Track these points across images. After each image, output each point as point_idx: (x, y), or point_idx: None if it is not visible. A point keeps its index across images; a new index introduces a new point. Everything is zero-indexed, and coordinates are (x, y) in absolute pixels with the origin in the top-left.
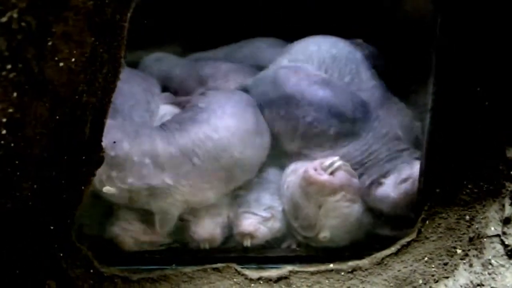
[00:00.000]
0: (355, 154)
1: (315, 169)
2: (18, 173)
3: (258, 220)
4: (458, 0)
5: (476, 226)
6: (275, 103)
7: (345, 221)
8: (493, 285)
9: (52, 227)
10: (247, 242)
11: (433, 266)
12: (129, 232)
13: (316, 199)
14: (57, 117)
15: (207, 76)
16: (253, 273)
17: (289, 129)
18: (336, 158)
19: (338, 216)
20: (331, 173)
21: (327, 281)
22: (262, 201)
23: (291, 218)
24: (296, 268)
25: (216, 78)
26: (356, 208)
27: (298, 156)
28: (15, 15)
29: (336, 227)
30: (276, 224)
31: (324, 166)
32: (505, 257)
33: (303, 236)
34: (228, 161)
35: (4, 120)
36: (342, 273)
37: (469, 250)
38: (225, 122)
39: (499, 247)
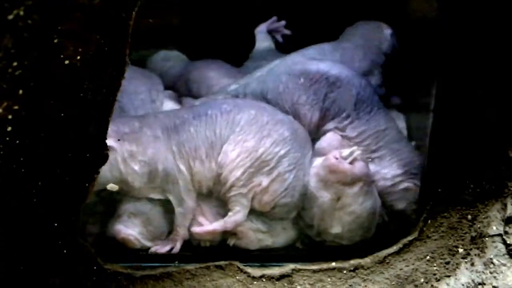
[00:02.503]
0: (374, 127)
1: (336, 158)
2: (23, 170)
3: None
4: (462, 2)
5: (478, 226)
6: (292, 75)
7: (359, 217)
8: (494, 284)
9: (56, 224)
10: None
11: (435, 265)
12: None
13: (335, 188)
14: (62, 114)
15: (193, 81)
16: (255, 271)
17: (312, 95)
18: (355, 147)
19: (352, 212)
20: (351, 163)
21: (329, 279)
22: None
23: (301, 211)
24: (298, 266)
25: (200, 87)
26: (370, 204)
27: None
28: (21, 13)
29: (349, 223)
30: None
31: (344, 155)
32: (507, 256)
33: (316, 231)
34: None
35: (10, 117)
36: (344, 272)
37: (471, 249)
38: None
39: (501, 246)
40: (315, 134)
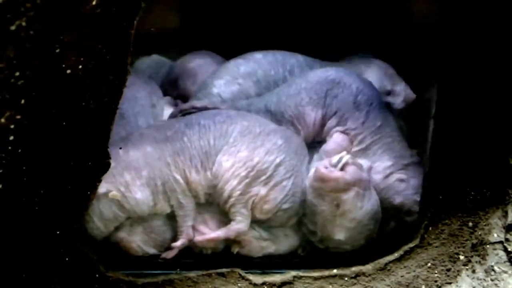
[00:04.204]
0: (372, 119)
1: (326, 167)
2: (25, 179)
3: None
4: (464, 7)
5: (479, 233)
6: (294, 84)
7: (360, 223)
8: None
9: (58, 232)
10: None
11: (436, 272)
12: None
13: (331, 196)
14: (64, 123)
15: (176, 77)
16: (257, 278)
17: (314, 95)
18: (343, 153)
19: (354, 219)
20: (342, 169)
21: (330, 286)
22: None
23: (304, 219)
24: (300, 273)
25: (184, 79)
26: (370, 207)
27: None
28: (23, 24)
29: (352, 229)
30: None
31: (334, 163)
32: (508, 263)
33: (319, 238)
34: None
35: (12, 126)
36: (346, 279)
37: (472, 256)
38: None
39: (502, 253)
40: (319, 133)
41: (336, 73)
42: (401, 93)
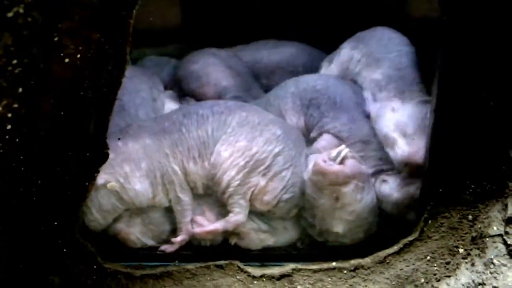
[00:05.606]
0: (357, 135)
1: (324, 161)
2: (22, 169)
3: None
4: (463, 2)
5: (479, 226)
6: (284, 87)
7: (360, 215)
8: (494, 284)
9: (56, 223)
10: None
11: (435, 265)
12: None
13: (330, 190)
14: (62, 112)
15: (180, 78)
16: (256, 271)
17: (298, 100)
18: (342, 146)
19: (353, 211)
20: (341, 162)
21: (329, 279)
22: None
23: (303, 211)
24: (298, 266)
25: (189, 82)
26: (369, 199)
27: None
28: (21, 10)
29: (351, 221)
30: None
31: (333, 156)
32: (507, 256)
33: (318, 231)
34: None
35: (10, 115)
36: (345, 271)
37: (471, 249)
38: None
39: (501, 246)
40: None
41: (324, 83)
42: (403, 149)
